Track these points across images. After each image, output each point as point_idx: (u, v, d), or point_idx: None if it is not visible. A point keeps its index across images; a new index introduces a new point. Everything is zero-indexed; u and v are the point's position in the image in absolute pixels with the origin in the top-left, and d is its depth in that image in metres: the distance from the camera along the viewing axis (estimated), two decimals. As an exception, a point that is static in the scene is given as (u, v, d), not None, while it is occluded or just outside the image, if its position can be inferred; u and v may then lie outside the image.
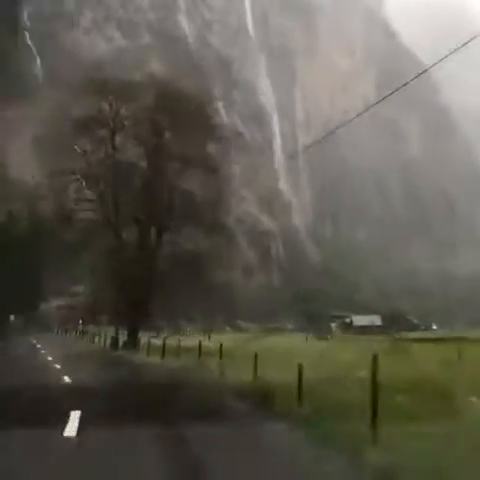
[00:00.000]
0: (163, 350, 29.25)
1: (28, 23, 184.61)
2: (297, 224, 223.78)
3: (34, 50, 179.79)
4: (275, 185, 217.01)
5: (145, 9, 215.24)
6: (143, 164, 44.75)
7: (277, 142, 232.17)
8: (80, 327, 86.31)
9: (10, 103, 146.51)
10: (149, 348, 33.12)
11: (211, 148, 45.27)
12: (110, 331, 49.42)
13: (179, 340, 30.64)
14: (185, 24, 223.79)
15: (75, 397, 14.26)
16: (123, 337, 44.29)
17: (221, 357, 21.33)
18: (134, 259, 44.85)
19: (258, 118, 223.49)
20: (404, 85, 18.06)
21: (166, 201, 44.70)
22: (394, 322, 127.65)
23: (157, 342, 43.28)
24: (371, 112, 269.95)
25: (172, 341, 33.60)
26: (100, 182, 44.74)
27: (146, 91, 44.56)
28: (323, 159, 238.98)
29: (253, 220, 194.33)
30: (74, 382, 18.51)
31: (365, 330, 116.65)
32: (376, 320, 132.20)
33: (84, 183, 44.28)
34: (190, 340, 39.45)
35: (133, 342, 42.12)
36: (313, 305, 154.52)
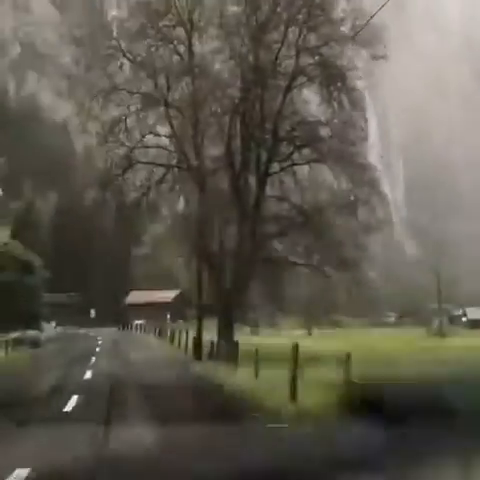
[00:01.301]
0: (294, 379, 12.19)
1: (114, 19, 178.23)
2: (392, 217, 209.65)
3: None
4: (370, 176, 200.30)
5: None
6: (235, 81, 28.27)
7: (371, 130, 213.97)
8: (168, 323, 71.39)
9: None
10: (257, 359, 16.90)
11: (335, 52, 28.33)
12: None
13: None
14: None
15: None
16: (211, 335, 27.94)
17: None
18: (224, 222, 28.88)
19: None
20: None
21: (270, 134, 28.27)
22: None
23: (254, 341, 28.32)
24: (466, 99, 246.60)
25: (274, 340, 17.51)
26: (173, 108, 28.85)
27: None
28: (417, 150, 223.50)
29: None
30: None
31: (478, 323, 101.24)
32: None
33: (149, 110, 28.50)
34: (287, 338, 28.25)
35: (226, 346, 25.30)
36: (413, 298, 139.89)
